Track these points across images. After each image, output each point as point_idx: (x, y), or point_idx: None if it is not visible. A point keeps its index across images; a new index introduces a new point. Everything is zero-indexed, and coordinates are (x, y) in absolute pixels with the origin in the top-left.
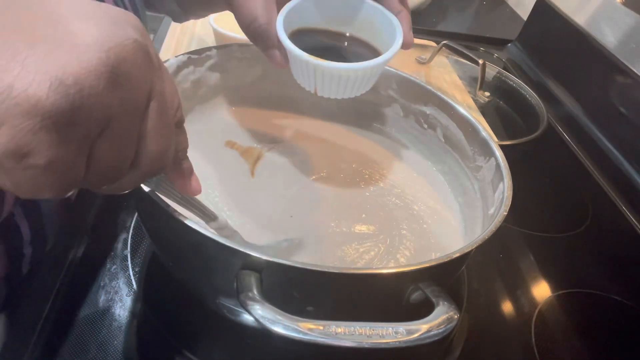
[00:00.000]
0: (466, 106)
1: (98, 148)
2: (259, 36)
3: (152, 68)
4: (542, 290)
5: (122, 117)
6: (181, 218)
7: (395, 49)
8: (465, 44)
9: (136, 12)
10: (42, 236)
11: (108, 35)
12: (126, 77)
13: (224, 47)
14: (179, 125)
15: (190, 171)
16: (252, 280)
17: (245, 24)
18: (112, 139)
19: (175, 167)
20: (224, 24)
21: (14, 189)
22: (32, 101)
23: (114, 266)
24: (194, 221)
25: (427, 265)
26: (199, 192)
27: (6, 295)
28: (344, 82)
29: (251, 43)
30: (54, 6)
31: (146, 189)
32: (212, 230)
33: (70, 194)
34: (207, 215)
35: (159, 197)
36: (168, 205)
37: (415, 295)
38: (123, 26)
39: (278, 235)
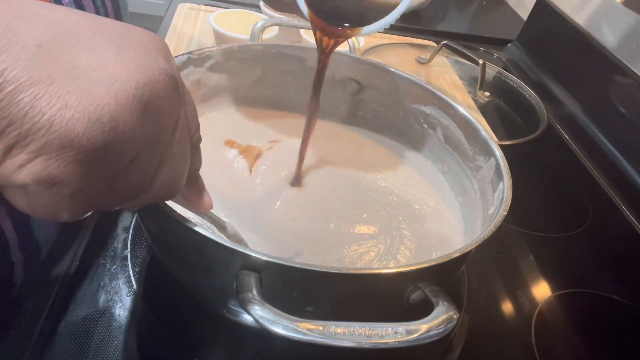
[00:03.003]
0: (466, 106)
1: (120, 178)
2: None
3: (179, 100)
4: (542, 290)
5: (148, 150)
6: (180, 219)
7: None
8: (465, 44)
9: (117, 9)
10: (32, 240)
11: (142, 70)
12: (157, 113)
13: (224, 47)
14: (195, 145)
15: (202, 188)
16: (251, 280)
17: None
18: (135, 169)
19: (188, 185)
20: (224, 24)
21: (30, 210)
22: (70, 136)
23: (114, 266)
24: (194, 222)
25: (427, 265)
26: (211, 207)
27: (2, 304)
28: None
29: (251, 43)
30: (90, 36)
31: None
32: (223, 236)
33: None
34: (217, 223)
35: None
36: (167, 206)
37: (415, 295)
38: (155, 57)
39: (276, 236)
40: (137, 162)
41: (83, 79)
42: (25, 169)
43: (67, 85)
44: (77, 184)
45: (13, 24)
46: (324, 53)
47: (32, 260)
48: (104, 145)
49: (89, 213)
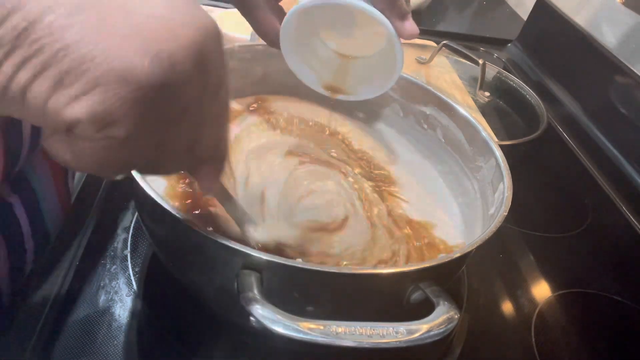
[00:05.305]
0: (466, 106)
1: (171, 131)
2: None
3: (224, 56)
4: (542, 290)
5: (198, 103)
6: (181, 219)
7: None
8: (465, 44)
9: None
10: (42, 230)
11: (197, 14)
12: (208, 60)
13: (224, 47)
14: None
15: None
16: (252, 280)
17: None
18: (185, 123)
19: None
20: (224, 24)
21: (73, 161)
22: (128, 69)
23: (114, 266)
24: (194, 221)
25: (427, 265)
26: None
27: (11, 293)
28: None
29: (251, 43)
30: None
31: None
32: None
33: (122, 176)
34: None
35: (159, 197)
36: (168, 206)
37: (416, 295)
38: (200, 6)
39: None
40: (187, 115)
41: (136, 14)
42: (79, 102)
43: (121, 16)
44: (132, 127)
45: None
46: None
47: (42, 249)
48: (161, 85)
49: (128, 172)
